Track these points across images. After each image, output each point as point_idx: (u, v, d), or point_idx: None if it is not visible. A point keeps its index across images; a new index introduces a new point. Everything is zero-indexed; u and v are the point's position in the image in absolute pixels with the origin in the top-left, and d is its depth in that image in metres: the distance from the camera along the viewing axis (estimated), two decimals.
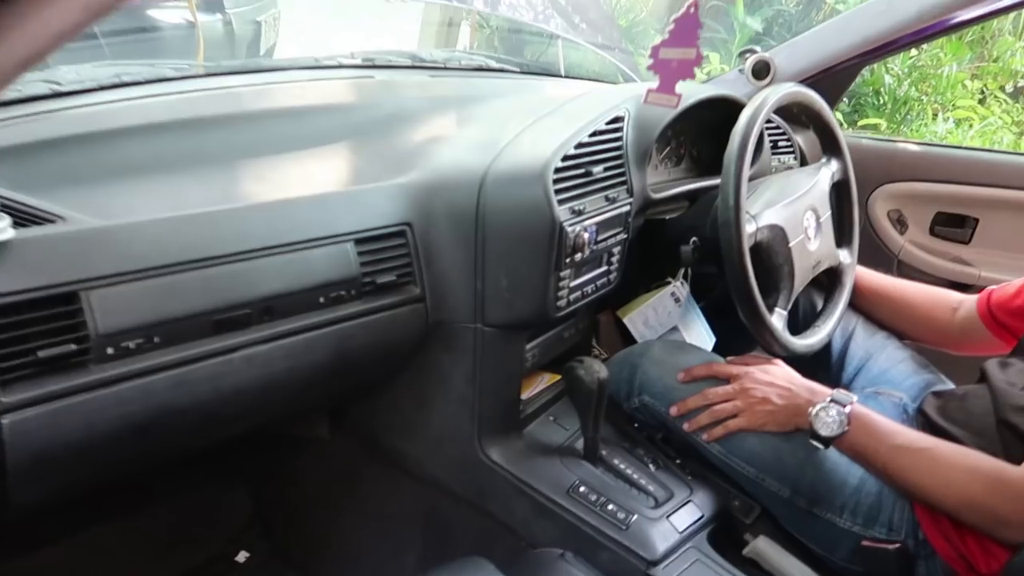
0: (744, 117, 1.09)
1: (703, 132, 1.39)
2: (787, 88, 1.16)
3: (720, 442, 1.09)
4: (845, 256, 1.29)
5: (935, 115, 3.52)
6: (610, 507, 1.04)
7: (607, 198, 1.09)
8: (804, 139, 1.62)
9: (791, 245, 1.14)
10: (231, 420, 0.91)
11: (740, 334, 1.21)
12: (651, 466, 1.13)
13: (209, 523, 1.35)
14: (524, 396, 1.17)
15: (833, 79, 1.59)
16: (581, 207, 1.03)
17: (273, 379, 0.88)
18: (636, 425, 1.20)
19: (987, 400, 1.03)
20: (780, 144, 1.49)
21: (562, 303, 1.05)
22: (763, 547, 1.03)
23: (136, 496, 1.25)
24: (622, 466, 1.11)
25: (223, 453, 1.35)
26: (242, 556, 1.35)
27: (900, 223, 1.73)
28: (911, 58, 3.47)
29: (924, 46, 3.63)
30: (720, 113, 1.33)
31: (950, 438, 1.02)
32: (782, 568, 1.01)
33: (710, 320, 1.32)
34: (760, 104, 1.10)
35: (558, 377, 1.24)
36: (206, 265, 0.81)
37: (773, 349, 1.12)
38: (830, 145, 1.29)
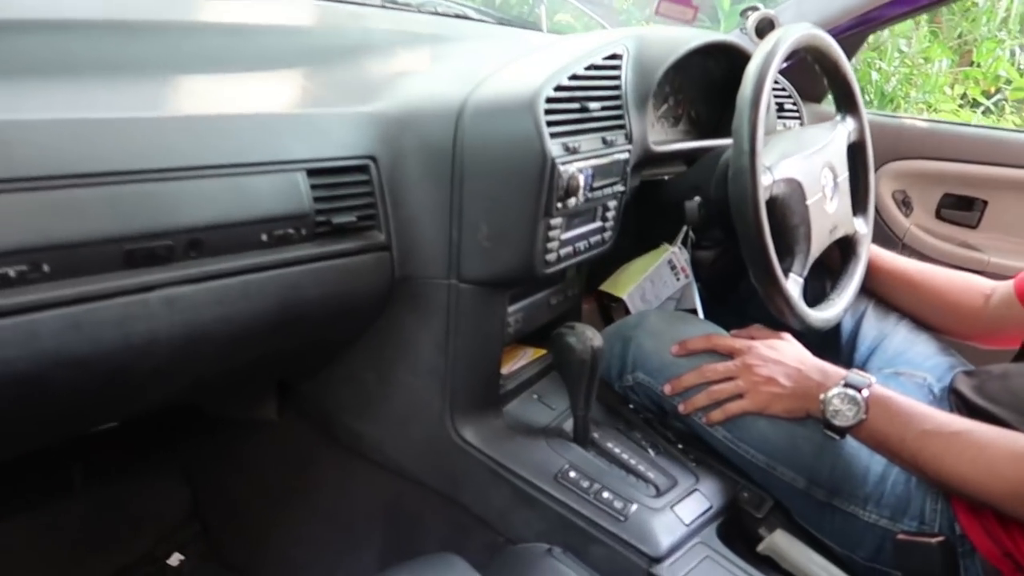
0: (758, 57, 0.96)
1: (704, 91, 1.27)
2: (804, 28, 1.03)
3: (725, 426, 0.97)
4: (861, 225, 1.17)
5: (921, 114, 3.49)
6: (605, 495, 0.90)
7: (604, 140, 0.95)
8: (807, 112, 1.51)
9: (808, 203, 1.01)
10: (149, 379, 0.75)
11: (735, 314, 1.11)
12: (650, 451, 0.99)
13: (137, 519, 1.18)
14: (504, 371, 1.03)
15: (842, 44, 1.48)
16: (576, 144, 0.88)
17: (200, 328, 0.72)
18: (631, 407, 1.06)
19: None
20: (786, 107, 1.37)
21: (551, 257, 0.90)
22: (781, 542, 0.90)
23: (48, 484, 1.08)
24: (617, 450, 0.97)
25: (155, 437, 1.18)
26: (175, 559, 1.18)
27: (905, 204, 1.63)
28: (897, 57, 3.43)
29: (907, 48, 3.60)
30: (723, 67, 1.22)
31: (992, 419, 0.90)
32: (803, 566, 0.88)
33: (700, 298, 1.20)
34: (776, 43, 0.97)
35: (543, 352, 1.10)
36: (115, 181, 0.65)
37: (786, 319, 0.99)
38: (846, 101, 1.16)
